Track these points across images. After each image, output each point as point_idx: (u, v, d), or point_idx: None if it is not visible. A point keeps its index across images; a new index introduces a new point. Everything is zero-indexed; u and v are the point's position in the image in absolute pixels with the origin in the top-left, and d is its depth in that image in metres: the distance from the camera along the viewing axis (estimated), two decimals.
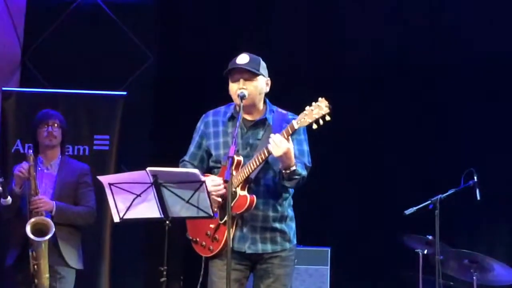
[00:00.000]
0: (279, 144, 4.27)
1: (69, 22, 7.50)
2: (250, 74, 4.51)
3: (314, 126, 4.31)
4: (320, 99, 4.29)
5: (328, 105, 4.26)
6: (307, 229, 4.81)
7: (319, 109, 4.26)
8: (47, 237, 5.38)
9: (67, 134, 5.86)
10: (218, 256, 4.51)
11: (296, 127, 4.31)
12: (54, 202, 5.56)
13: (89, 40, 7.45)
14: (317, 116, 4.27)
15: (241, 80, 4.51)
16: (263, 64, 4.59)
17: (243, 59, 4.54)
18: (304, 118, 4.29)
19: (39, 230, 5.40)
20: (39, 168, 5.68)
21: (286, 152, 4.29)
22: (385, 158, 7.22)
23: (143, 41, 7.52)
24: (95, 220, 5.79)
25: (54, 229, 5.40)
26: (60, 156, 5.77)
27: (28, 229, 5.35)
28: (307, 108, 4.30)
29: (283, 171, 4.38)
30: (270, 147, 4.30)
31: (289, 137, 4.32)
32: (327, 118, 4.27)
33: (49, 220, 5.45)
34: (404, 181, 7.12)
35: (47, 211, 5.50)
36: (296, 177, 4.40)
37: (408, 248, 6.16)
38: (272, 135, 4.32)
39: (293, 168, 4.35)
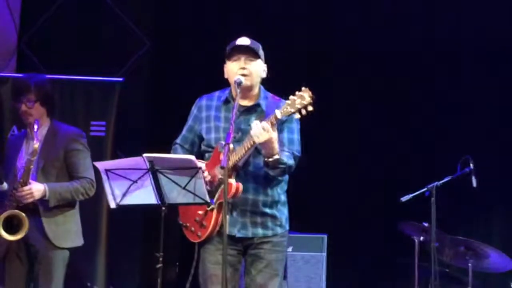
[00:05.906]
0: (261, 130, 4.22)
1: (65, 7, 7.48)
2: (252, 54, 4.47)
3: (297, 116, 4.26)
4: (303, 88, 4.24)
5: (311, 95, 4.21)
6: (303, 216, 4.80)
7: (301, 99, 4.22)
8: (21, 235, 4.98)
9: (51, 100, 5.26)
10: (209, 242, 4.49)
11: (279, 116, 4.27)
12: (45, 186, 5.01)
13: (85, 25, 7.44)
14: (299, 107, 4.22)
15: (243, 59, 4.46)
16: (261, 51, 4.56)
17: (244, 41, 4.52)
18: (287, 108, 4.25)
19: (10, 222, 5.01)
20: (25, 142, 5.25)
21: (268, 139, 4.24)
22: (382, 145, 7.22)
23: (140, 27, 7.51)
24: (95, 190, 5.21)
25: (27, 225, 4.97)
26: (48, 125, 5.24)
27: None
28: (291, 97, 4.26)
29: (266, 159, 4.34)
30: (252, 132, 4.24)
31: (274, 126, 4.26)
32: (310, 108, 4.21)
33: (22, 213, 4.98)
34: (400, 168, 7.12)
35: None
36: (281, 166, 4.36)
37: (404, 235, 6.17)
38: (255, 121, 4.25)
39: (276, 156, 4.30)
